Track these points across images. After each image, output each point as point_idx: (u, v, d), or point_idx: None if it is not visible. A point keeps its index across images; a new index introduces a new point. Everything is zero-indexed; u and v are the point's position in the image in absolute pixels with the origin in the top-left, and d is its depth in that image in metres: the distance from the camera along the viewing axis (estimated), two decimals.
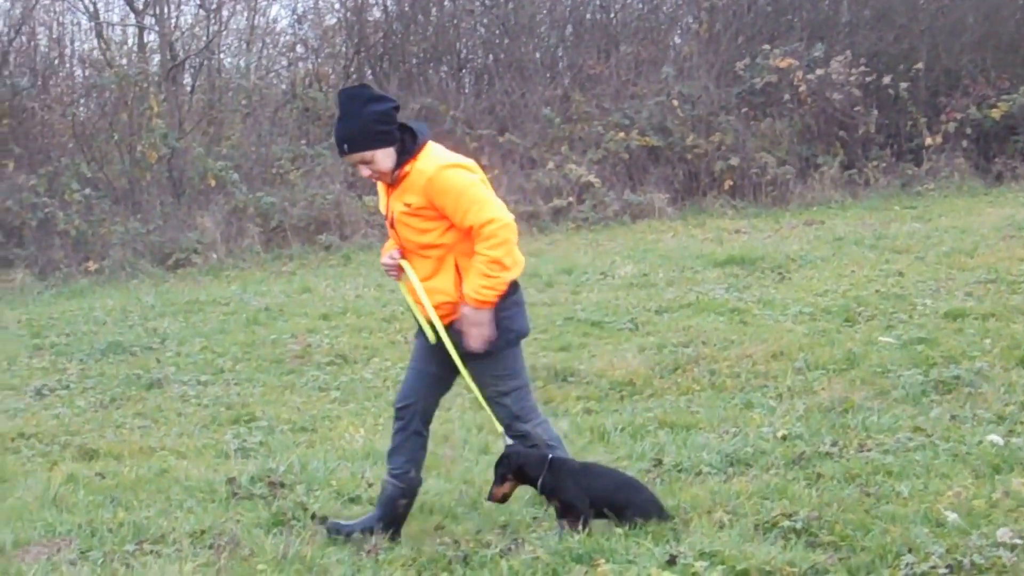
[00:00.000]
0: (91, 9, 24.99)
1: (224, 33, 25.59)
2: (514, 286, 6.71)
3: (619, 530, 6.48)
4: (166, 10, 24.65)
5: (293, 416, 10.22)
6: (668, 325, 12.49)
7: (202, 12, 25.14)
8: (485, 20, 26.31)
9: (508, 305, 6.66)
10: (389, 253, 6.83)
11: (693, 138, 23.19)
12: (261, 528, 7.06)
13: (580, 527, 6.54)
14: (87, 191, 21.16)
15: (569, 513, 6.64)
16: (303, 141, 23.39)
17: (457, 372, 6.81)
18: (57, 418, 10.56)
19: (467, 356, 6.66)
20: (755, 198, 22.80)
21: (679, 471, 7.66)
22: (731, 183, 22.85)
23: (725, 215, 21.56)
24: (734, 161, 22.82)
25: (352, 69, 25.44)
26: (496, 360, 6.70)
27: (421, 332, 6.82)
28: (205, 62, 24.82)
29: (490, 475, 6.92)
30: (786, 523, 6.44)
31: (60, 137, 22.79)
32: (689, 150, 23.17)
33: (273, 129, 23.61)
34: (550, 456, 6.70)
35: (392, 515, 6.88)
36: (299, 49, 26.77)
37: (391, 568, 6.32)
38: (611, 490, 6.75)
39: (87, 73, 25.05)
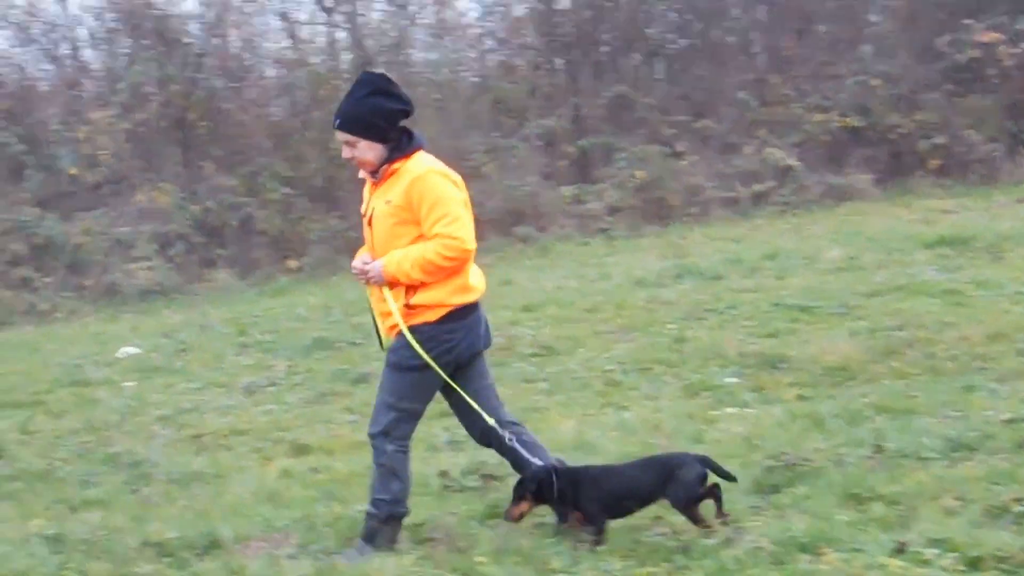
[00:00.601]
0: (282, 10, 25.44)
1: (413, 28, 25.81)
2: (464, 311, 6.81)
3: (842, 517, 6.35)
4: (356, 7, 25.01)
5: None
6: (880, 308, 12.23)
7: (392, 8, 25.41)
8: (676, 5, 26.12)
9: (454, 328, 6.79)
10: (361, 258, 6.92)
11: (896, 117, 22.75)
12: (476, 521, 7.09)
13: (597, 534, 6.59)
14: (285, 190, 21.66)
15: (590, 522, 6.68)
16: (496, 133, 23.57)
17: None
18: (268, 414, 10.82)
19: (392, 366, 6.83)
20: (963, 177, 22.27)
21: (902, 457, 7.45)
22: (938, 162, 22.32)
23: (932, 195, 21.08)
24: (940, 140, 22.36)
25: (542, 59, 25.50)
26: (414, 376, 6.78)
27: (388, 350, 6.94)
28: (395, 58, 25.07)
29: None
30: (1018, 508, 6.25)
31: (256, 137, 23.32)
32: (892, 130, 22.82)
33: (466, 122, 23.84)
34: (552, 468, 6.77)
35: (380, 544, 6.88)
36: (488, 42, 26.87)
37: (611, 559, 6.28)
38: (635, 486, 6.73)
39: (280, 73, 25.49)
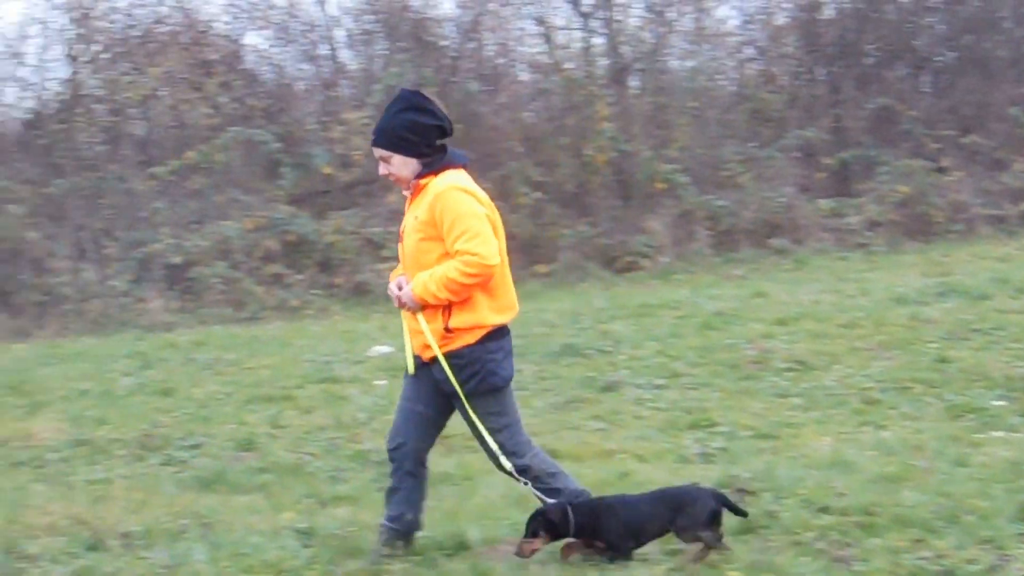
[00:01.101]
0: (538, 14, 25.73)
1: (671, 35, 25.80)
2: (501, 332, 6.96)
3: None
4: (613, 13, 25.14)
5: (753, 422, 10.21)
6: None
7: (649, 15, 25.47)
8: (946, 16, 25.56)
9: (494, 350, 6.90)
10: (396, 281, 7.03)
11: None
12: (728, 535, 7.03)
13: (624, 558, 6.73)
14: (537, 194, 21.93)
15: (614, 550, 6.79)
16: (753, 143, 23.46)
17: (449, 412, 7.09)
18: None
19: (459, 396, 6.89)
20: None
21: None
22: None
23: None
24: None
25: (803, 70, 25.25)
26: (484, 400, 6.91)
27: (415, 372, 7.07)
28: (651, 64, 25.11)
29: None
30: None
31: (509, 141, 23.53)
32: None
33: (722, 131, 23.83)
34: (568, 504, 6.85)
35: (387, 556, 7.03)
36: (748, 50, 26.71)
37: None
38: (648, 519, 6.86)
39: (535, 77, 25.78)
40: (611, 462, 9.14)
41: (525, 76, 26.20)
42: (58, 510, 8.58)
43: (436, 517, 7.73)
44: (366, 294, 20.94)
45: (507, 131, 23.84)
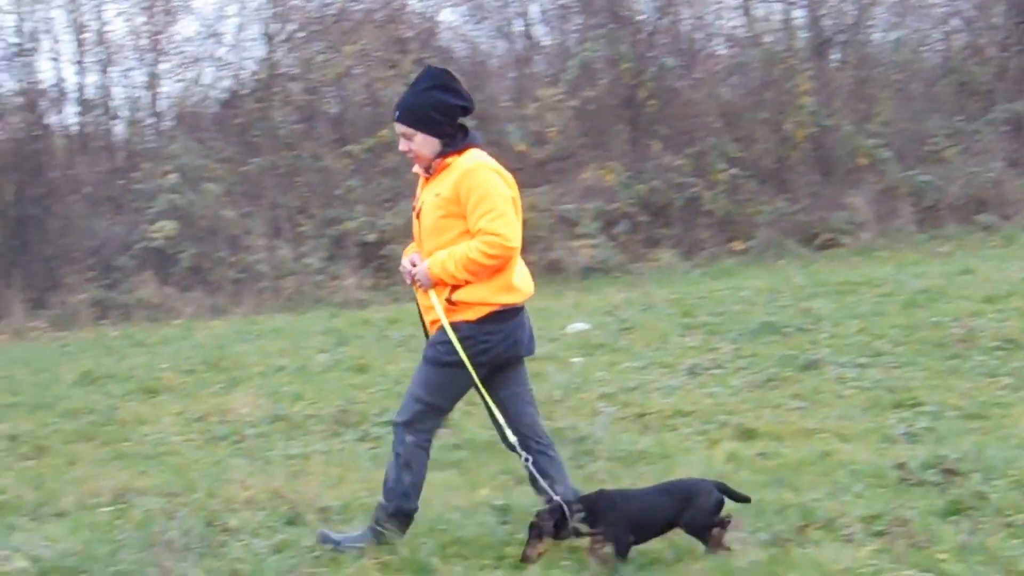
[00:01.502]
0: None
1: (874, 7, 25.36)
2: (506, 314, 6.95)
3: None
4: None
5: (960, 402, 9.95)
6: None
7: None
8: None
9: (492, 331, 6.93)
10: (409, 258, 7.10)
11: None
12: (936, 516, 6.92)
13: (621, 556, 6.64)
14: (733, 170, 21.88)
15: (613, 542, 6.69)
16: (960, 117, 22.98)
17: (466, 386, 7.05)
18: (712, 397, 10.87)
19: (429, 360, 7.00)
20: None
21: None
22: None
23: None
24: None
25: (1012, 41, 24.60)
26: (447, 372, 6.96)
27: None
28: (854, 37, 24.73)
29: None
30: None
31: (706, 117, 23.55)
32: None
33: (927, 105, 23.47)
34: (564, 503, 6.80)
35: (382, 535, 7.05)
36: (954, 21, 26.11)
37: None
38: (653, 513, 6.80)
39: (732, 51, 25.62)
40: (812, 441, 9.03)
41: (722, 50, 26.14)
42: (257, 484, 8.76)
43: None
44: (559, 271, 21.13)
45: (704, 106, 23.83)
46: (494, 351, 6.98)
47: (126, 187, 23.85)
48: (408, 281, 7.09)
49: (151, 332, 19.25)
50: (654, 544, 6.82)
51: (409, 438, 7.08)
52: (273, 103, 24.49)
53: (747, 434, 9.48)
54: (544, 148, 23.28)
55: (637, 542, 6.78)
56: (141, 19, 25.36)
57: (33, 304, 22.51)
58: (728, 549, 6.64)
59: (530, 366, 12.53)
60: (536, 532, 6.80)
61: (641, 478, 8.23)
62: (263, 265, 22.19)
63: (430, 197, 6.98)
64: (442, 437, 9.96)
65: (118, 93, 25.67)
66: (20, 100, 25.08)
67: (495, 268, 6.83)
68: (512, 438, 7.06)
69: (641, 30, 24.66)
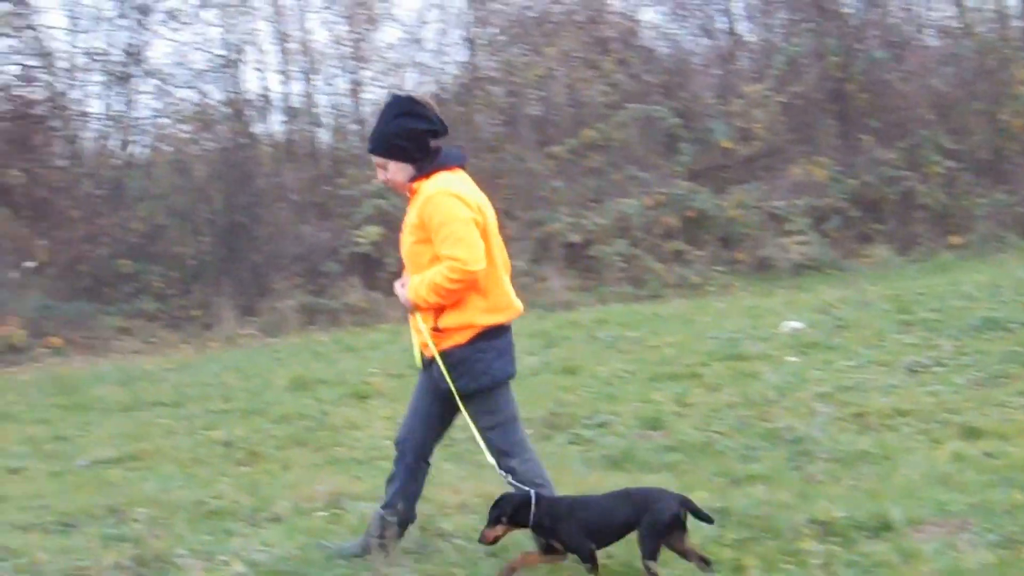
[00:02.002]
0: None
1: None
2: (494, 332, 7.06)
3: None
4: None
5: None
6: None
7: None
8: None
9: (485, 349, 7.06)
10: (400, 281, 7.24)
11: None
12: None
13: (590, 566, 6.75)
14: (948, 163, 21.52)
15: (575, 553, 6.83)
16: None
17: (455, 410, 7.18)
18: (934, 395, 10.63)
19: (454, 394, 7.07)
20: None
21: None
22: None
23: None
24: None
25: None
26: (474, 399, 7.08)
27: (423, 369, 7.32)
28: None
29: None
30: None
31: (918, 109, 23.18)
32: None
33: None
34: (534, 494, 6.95)
35: (373, 545, 7.29)
36: None
37: None
38: (609, 517, 6.90)
39: (944, 43, 25.22)
40: None
41: (934, 42, 25.74)
42: (469, 488, 8.86)
43: (855, 497, 7.61)
44: (769, 269, 21.04)
45: (916, 98, 23.48)
46: (494, 366, 7.15)
47: (332, 193, 23.96)
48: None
49: (359, 337, 19.49)
50: None
51: (514, 462, 7.27)
52: (475, 107, 24.55)
53: (972, 433, 9.28)
54: (751, 144, 23.18)
55: (596, 547, 6.90)
56: (343, 27, 25.50)
57: (243, 311, 22.55)
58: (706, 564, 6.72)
59: (741, 366, 12.66)
60: (496, 515, 6.98)
61: (862, 479, 8.17)
62: None
63: (407, 223, 7.23)
64: (653, 439, 10.13)
65: (322, 101, 25.79)
66: (227, 110, 25.11)
67: (462, 291, 6.98)
68: (491, 460, 7.19)
69: (848, 23, 24.37)
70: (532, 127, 24.68)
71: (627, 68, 24.38)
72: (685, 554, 6.76)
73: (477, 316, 7.08)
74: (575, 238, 22.13)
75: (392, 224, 21.45)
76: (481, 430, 7.18)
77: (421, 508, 8.12)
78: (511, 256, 19.97)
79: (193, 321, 22.11)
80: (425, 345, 7.16)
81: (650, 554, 6.68)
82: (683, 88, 24.65)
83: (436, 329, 7.08)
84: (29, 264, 22.93)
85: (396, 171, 7.23)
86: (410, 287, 7.08)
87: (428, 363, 7.24)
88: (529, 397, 12.05)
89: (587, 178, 23.30)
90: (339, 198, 23.58)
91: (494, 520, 6.99)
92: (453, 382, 7.06)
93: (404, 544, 7.39)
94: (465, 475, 9.47)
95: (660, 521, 6.76)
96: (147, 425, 13.36)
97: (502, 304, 7.17)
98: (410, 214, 7.17)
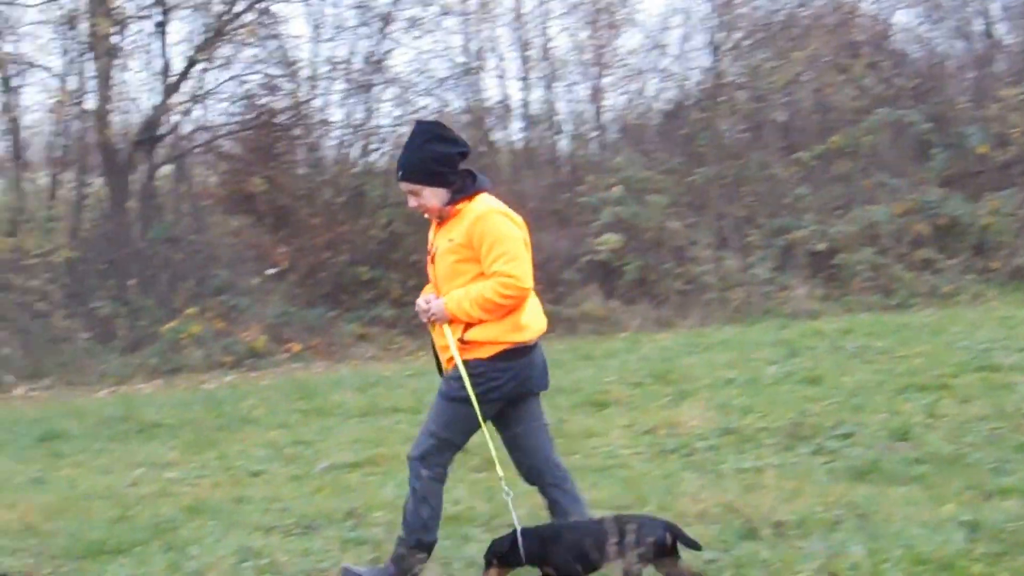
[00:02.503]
0: None
1: None
2: (516, 352, 7.27)
3: None
4: None
5: None
6: None
7: None
8: None
9: (503, 369, 7.25)
10: (424, 296, 7.43)
11: None
12: None
13: None
14: None
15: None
16: None
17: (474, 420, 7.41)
18: None
19: (443, 395, 7.38)
20: None
21: None
22: None
23: None
24: None
25: None
26: (457, 407, 7.30)
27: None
28: None
29: None
30: None
31: None
32: None
33: None
34: (519, 531, 7.18)
35: (407, 569, 7.48)
36: None
37: None
38: (594, 539, 7.06)
39: None
40: None
41: None
42: (709, 498, 8.92)
43: None
44: None
45: None
46: (505, 387, 7.39)
47: (571, 200, 24.36)
48: (424, 319, 7.48)
49: (596, 345, 19.71)
50: None
51: (425, 472, 7.56)
52: (719, 112, 24.75)
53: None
54: (1007, 150, 22.90)
55: (584, 571, 7.19)
56: (585, 34, 26.10)
57: None
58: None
59: (994, 378, 12.56)
60: (488, 559, 7.31)
61: None
62: (709, 276, 22.35)
63: (443, 243, 7.42)
64: (901, 451, 10.06)
65: (562, 108, 26.46)
66: (467, 117, 25.88)
67: (510, 308, 7.28)
68: (500, 472, 7.41)
69: None
70: (777, 133, 24.88)
71: (878, 72, 24.42)
72: None
73: (504, 333, 7.36)
74: (820, 246, 22.19)
75: (632, 232, 23.47)
76: (430, 432, 7.47)
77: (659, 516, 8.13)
78: (752, 264, 19.99)
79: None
80: (450, 360, 7.45)
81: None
82: (936, 92, 24.59)
83: (462, 341, 7.33)
84: (270, 271, 23.90)
85: (430, 196, 7.44)
86: (450, 299, 7.31)
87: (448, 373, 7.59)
88: (771, 407, 12.46)
89: (833, 185, 23.37)
90: (578, 205, 23.98)
91: (488, 564, 7.35)
92: (461, 389, 7.34)
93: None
94: (705, 484, 9.57)
95: (644, 544, 7.09)
96: (385, 430, 13.77)
97: (528, 323, 7.43)
98: (450, 234, 7.40)
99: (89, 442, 14.89)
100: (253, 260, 24.32)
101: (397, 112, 26.13)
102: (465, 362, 7.37)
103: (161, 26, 24.77)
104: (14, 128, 25.01)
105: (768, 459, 10.47)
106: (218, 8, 24.70)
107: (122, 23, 24.35)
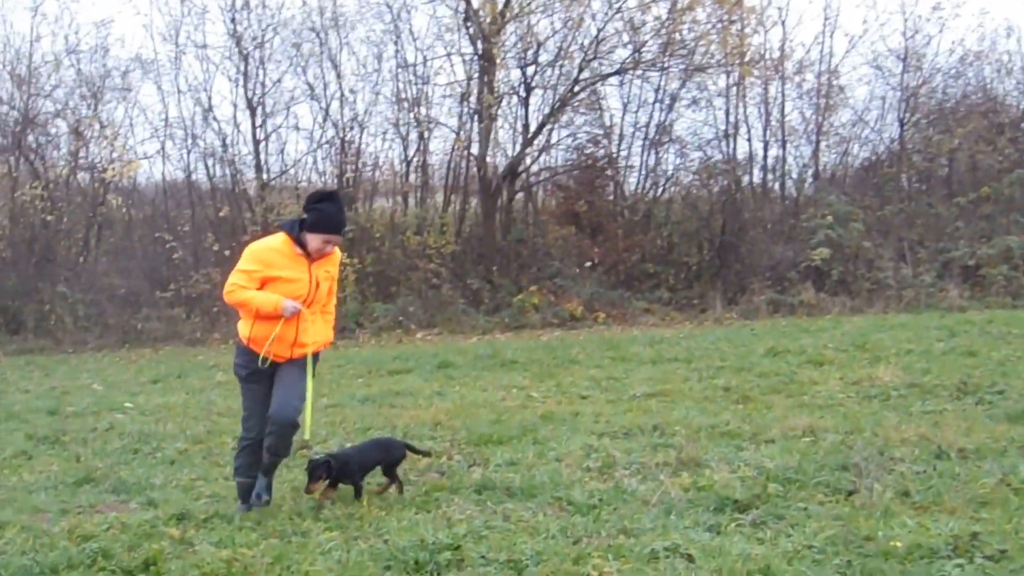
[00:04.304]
0: None
1: None
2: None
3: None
4: None
5: None
6: None
7: None
8: None
9: (240, 351, 8.12)
10: (293, 305, 7.95)
11: None
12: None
13: (359, 493, 8.00)
14: None
15: (355, 485, 8.08)
16: None
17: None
18: None
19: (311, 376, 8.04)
20: None
21: None
22: None
23: None
24: None
25: None
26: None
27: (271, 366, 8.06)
28: None
29: None
30: None
31: None
32: None
33: None
34: (330, 457, 8.07)
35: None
36: None
37: None
38: (371, 456, 8.25)
39: None
40: None
41: None
42: (906, 429, 9.39)
43: None
44: None
45: None
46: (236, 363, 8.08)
47: (795, 225, 26.46)
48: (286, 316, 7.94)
49: (811, 323, 21.00)
50: None
51: (244, 437, 8.28)
52: (901, 168, 27.36)
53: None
54: None
55: (362, 478, 8.08)
56: (810, 112, 28.09)
57: (728, 302, 24.94)
58: (398, 484, 8.14)
59: None
60: (317, 475, 7.96)
61: None
62: (890, 280, 24.50)
63: (328, 274, 8.13)
64: None
65: (791, 161, 28.48)
66: (725, 167, 27.67)
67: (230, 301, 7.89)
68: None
69: None
70: (941, 184, 27.35)
71: (1016, 145, 26.45)
72: (394, 477, 8.20)
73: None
74: (970, 262, 24.48)
75: (837, 247, 25.18)
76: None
77: (873, 441, 9.06)
78: (920, 273, 23.46)
79: (694, 307, 25.14)
80: (305, 349, 7.94)
81: (394, 476, 8.18)
82: None
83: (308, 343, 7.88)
84: (587, 264, 26.05)
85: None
86: (323, 323, 8.08)
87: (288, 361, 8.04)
88: (942, 370, 13.27)
89: (981, 221, 25.54)
90: (800, 228, 26.24)
91: (316, 478, 7.98)
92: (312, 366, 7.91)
93: (867, 464, 7.86)
94: (901, 420, 10.15)
95: (396, 457, 8.31)
96: (669, 373, 14.48)
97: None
98: (328, 268, 7.99)
99: (469, 370, 15.88)
100: (575, 256, 26.31)
101: (677, 161, 28.89)
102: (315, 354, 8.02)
103: (524, 99, 27.34)
104: (423, 165, 27.80)
105: (944, 405, 10.92)
106: (562, 89, 26.88)
107: (499, 97, 26.83)
